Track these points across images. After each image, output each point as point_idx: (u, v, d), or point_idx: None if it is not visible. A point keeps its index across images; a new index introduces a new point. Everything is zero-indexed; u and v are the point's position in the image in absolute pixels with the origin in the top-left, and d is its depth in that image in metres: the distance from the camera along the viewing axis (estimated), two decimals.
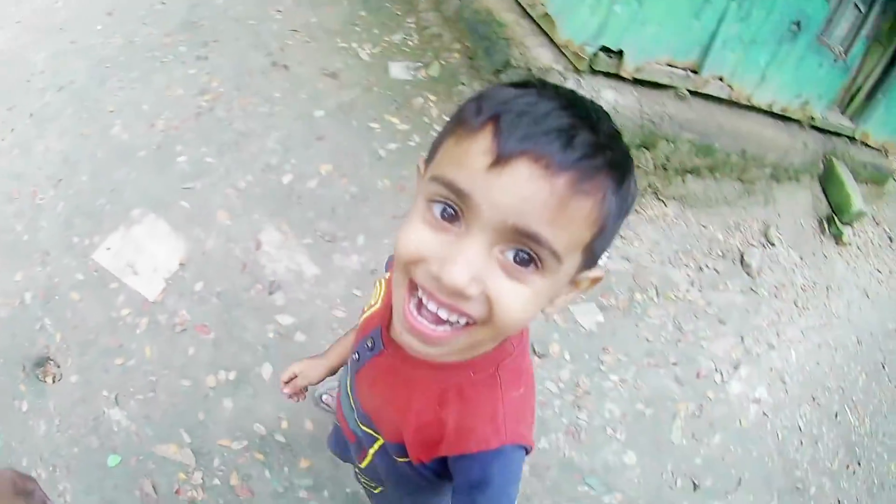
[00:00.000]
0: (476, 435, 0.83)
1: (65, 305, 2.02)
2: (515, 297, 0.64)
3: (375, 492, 1.24)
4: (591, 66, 2.95)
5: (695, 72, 3.39)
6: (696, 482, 2.71)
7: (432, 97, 3.13)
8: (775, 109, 4.15)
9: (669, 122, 3.33)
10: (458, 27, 3.40)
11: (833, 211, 4.88)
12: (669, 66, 3.28)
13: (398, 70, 3.21)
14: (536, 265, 0.63)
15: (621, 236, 3.30)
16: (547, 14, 3.09)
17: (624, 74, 3.06)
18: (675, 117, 3.36)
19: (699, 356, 3.12)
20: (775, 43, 3.67)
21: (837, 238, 4.84)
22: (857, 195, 4.85)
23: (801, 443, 3.45)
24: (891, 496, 4.38)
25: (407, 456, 0.92)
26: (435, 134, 2.53)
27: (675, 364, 2.97)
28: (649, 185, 3.51)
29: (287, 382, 1.35)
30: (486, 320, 0.66)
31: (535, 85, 0.65)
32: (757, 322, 3.62)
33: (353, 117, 2.89)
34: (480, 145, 0.61)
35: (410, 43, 3.42)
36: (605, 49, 2.94)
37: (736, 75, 3.64)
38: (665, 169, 3.46)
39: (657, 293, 3.19)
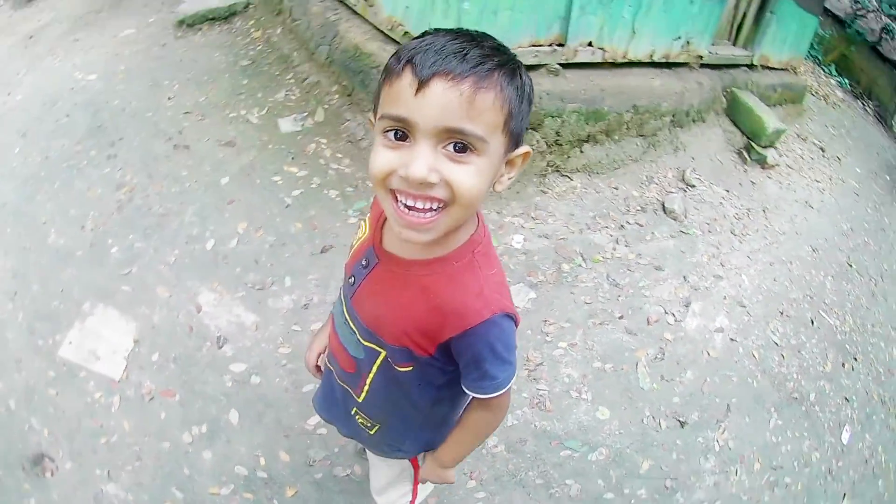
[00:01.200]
0: (469, 311, 1.06)
1: (45, 402, 2.29)
2: (465, 174, 0.91)
3: (371, 433, 1.42)
4: None
5: (561, 44, 3.69)
6: (681, 419, 2.94)
7: (323, 140, 3.52)
8: (657, 58, 4.40)
9: (549, 99, 3.61)
10: (333, 70, 3.78)
11: (749, 139, 5.27)
12: (534, 45, 3.57)
13: (287, 124, 3.61)
14: (471, 150, 0.91)
15: (533, 217, 3.63)
16: (407, 32, 3.42)
17: None
18: (553, 93, 3.63)
19: (645, 304, 3.38)
20: None
21: (762, 163, 5.24)
22: (770, 117, 5.24)
23: (783, 356, 3.68)
24: None
25: (410, 361, 1.16)
26: (332, 172, 2.97)
27: (621, 318, 3.23)
28: (548, 165, 3.83)
29: (318, 366, 1.59)
30: (453, 199, 0.93)
31: (432, 32, 0.93)
32: (696, 259, 3.91)
33: (255, 176, 3.26)
34: (405, 81, 0.89)
35: (293, 97, 3.81)
36: None
37: (604, 36, 3.91)
38: (559, 144, 3.78)
39: (583, 259, 3.49)
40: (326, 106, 3.72)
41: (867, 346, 4.45)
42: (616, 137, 4.15)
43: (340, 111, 3.67)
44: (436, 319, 1.08)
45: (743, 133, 5.38)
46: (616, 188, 4.15)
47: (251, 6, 4.56)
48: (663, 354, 3.21)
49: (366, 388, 1.29)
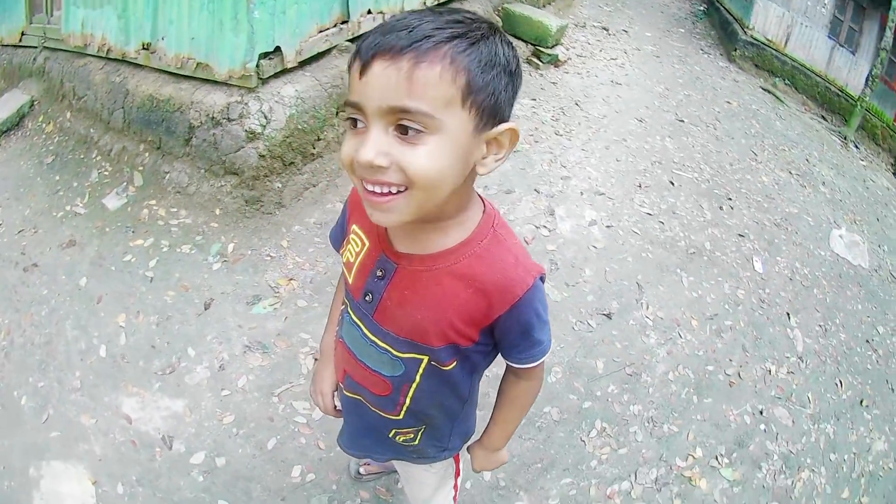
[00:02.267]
0: (514, 282, 1.08)
1: None
2: (416, 156, 0.89)
3: (416, 443, 1.40)
4: (260, 79, 3.33)
5: (344, 22, 3.84)
6: (605, 313, 3.25)
7: (152, 202, 3.52)
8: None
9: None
10: (134, 131, 3.77)
11: (536, 45, 5.71)
12: (322, 31, 3.69)
13: (112, 201, 3.57)
14: (419, 129, 0.88)
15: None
16: (199, 63, 3.46)
17: (291, 65, 3.48)
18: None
19: (515, 227, 3.58)
20: None
21: (554, 62, 5.71)
22: (548, 18, 5.69)
23: (661, 223, 4.09)
24: (789, 185, 5.27)
25: (455, 356, 1.17)
26: (174, 229, 3.20)
27: None
28: None
29: (334, 406, 1.55)
30: (410, 182, 0.91)
31: (394, 17, 0.93)
32: (538, 171, 4.27)
33: (108, 264, 3.23)
34: (356, 66, 0.90)
35: (106, 172, 3.79)
36: (265, 55, 3.31)
37: (381, 2, 4.10)
38: None
39: None
40: (141, 168, 3.71)
41: (735, 184, 4.99)
42: None
43: (157, 167, 3.67)
44: (480, 303, 1.09)
45: (528, 42, 5.77)
46: None
47: (35, 103, 4.47)
48: (556, 265, 3.53)
49: (406, 402, 1.27)
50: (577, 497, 2.59)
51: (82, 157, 3.98)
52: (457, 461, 1.63)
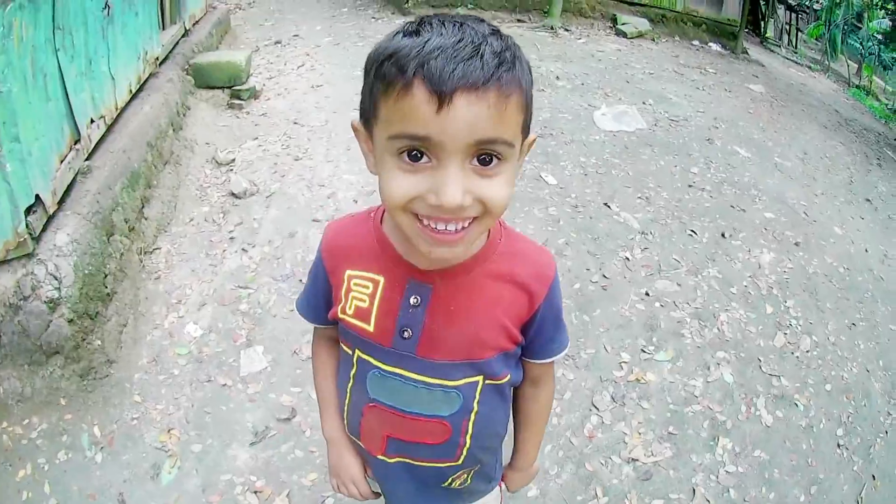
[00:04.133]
0: (544, 266, 1.20)
1: None
2: (496, 188, 0.94)
3: (468, 484, 1.40)
4: (33, 238, 3.04)
5: (77, 140, 3.55)
6: None
7: (2, 424, 3.07)
8: None
9: None
10: None
11: (232, 87, 5.82)
12: (62, 161, 3.36)
13: None
14: (498, 158, 0.92)
15: None
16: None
17: (52, 210, 3.17)
18: None
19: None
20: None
21: (254, 95, 5.97)
22: (232, 55, 5.83)
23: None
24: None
25: (506, 364, 1.23)
26: (40, 443, 2.84)
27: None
28: None
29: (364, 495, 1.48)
30: (485, 213, 0.96)
31: (422, 25, 0.92)
32: (304, 202, 4.36)
33: None
34: (420, 96, 0.86)
35: None
36: (28, 210, 3.01)
37: None
38: None
39: None
40: None
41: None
42: None
43: None
44: (521, 298, 1.18)
45: (223, 87, 5.83)
46: None
47: None
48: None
49: (467, 442, 1.28)
50: (563, 453, 2.76)
51: None
52: (500, 488, 1.60)
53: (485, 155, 0.91)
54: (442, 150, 0.89)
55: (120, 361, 3.20)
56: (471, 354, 1.17)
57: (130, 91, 4.42)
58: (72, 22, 3.50)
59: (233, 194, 4.35)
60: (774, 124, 7.41)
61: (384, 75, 0.90)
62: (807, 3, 17.56)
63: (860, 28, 16.11)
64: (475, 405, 1.22)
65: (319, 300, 1.32)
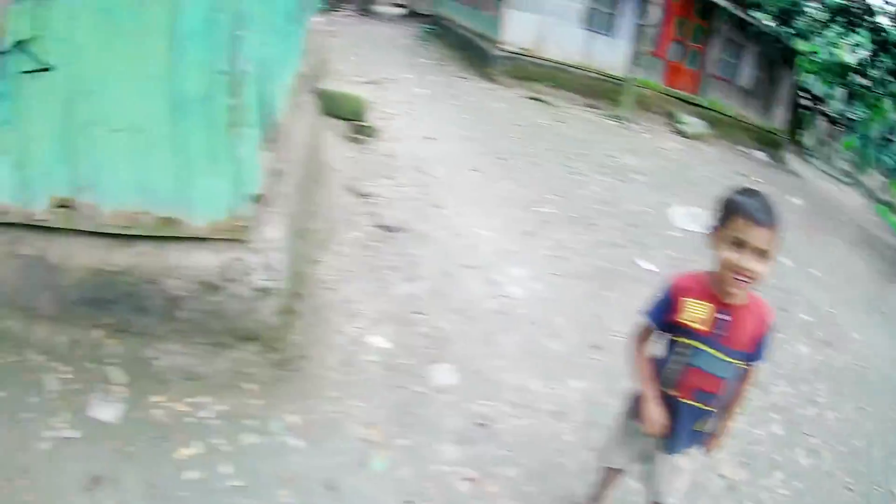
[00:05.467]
0: (768, 311, 2.34)
1: None
2: (763, 266, 2.10)
3: (705, 427, 2.46)
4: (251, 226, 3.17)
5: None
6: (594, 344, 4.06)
7: (155, 397, 3.11)
8: None
9: None
10: (77, 314, 3.20)
11: (353, 121, 6.53)
12: None
13: (104, 411, 3.01)
14: (768, 256, 2.10)
15: None
16: (161, 218, 3.07)
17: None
18: None
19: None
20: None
21: (374, 134, 6.55)
22: (355, 90, 6.57)
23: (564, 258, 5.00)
24: (613, 185, 6.55)
25: (748, 360, 2.33)
26: (214, 424, 3.01)
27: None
28: None
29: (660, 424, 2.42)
30: (756, 277, 2.11)
31: (744, 192, 2.16)
32: (444, 248, 5.13)
33: (171, 491, 2.74)
34: (744, 223, 2.07)
35: (68, 375, 3.12)
36: (252, 197, 3.13)
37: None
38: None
39: None
40: (113, 360, 3.25)
41: (580, 201, 6.41)
42: None
43: (136, 355, 3.26)
44: (760, 324, 2.28)
45: (345, 119, 6.50)
46: None
47: None
48: (535, 323, 4.42)
49: (722, 394, 2.34)
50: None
51: (16, 361, 3.17)
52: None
53: (764, 252, 2.12)
54: (747, 246, 2.11)
55: (312, 359, 3.44)
56: (744, 348, 2.28)
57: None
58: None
59: (384, 227, 5.05)
60: (810, 237, 8.52)
61: (731, 210, 2.18)
62: (847, 114, 19.02)
63: (892, 142, 17.07)
64: (731, 374, 2.32)
65: (663, 314, 2.37)
